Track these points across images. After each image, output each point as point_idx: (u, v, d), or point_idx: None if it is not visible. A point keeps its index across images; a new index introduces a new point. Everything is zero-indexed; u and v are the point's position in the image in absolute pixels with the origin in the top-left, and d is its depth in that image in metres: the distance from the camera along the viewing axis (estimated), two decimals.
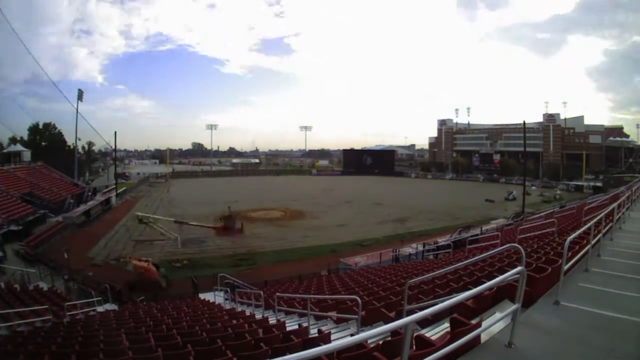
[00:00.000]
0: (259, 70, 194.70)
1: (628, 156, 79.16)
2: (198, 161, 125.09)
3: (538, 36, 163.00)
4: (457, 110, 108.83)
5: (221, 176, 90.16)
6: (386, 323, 2.86)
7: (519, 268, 2.93)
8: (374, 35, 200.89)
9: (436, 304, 2.32)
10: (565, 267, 4.14)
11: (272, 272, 21.23)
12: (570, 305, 3.73)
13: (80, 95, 62.27)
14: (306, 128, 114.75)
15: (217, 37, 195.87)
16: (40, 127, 62.37)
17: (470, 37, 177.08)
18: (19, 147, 48.26)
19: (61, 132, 64.87)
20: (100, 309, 13.16)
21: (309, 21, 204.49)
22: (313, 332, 5.74)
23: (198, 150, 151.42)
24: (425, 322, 4.55)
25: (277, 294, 9.97)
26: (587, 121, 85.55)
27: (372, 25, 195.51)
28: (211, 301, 12.59)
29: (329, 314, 7.41)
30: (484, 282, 3.10)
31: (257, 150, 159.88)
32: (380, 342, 3.29)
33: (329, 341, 4.66)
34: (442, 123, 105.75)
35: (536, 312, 3.57)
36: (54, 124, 64.13)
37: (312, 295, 9.36)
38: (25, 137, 59.83)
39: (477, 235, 26.41)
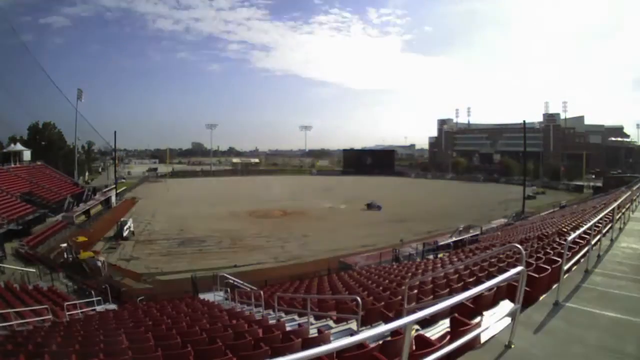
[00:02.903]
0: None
1: (628, 156, 79.19)
2: (198, 161, 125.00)
3: None
4: (457, 110, 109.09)
5: (221, 176, 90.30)
6: (386, 323, 2.86)
7: (519, 268, 2.92)
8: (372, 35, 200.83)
9: (436, 304, 2.32)
10: (566, 268, 4.14)
11: (272, 272, 21.24)
12: (570, 305, 3.73)
13: (79, 95, 62.34)
14: (306, 128, 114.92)
15: None
16: (40, 126, 62.35)
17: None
18: (19, 147, 48.18)
19: (61, 132, 64.88)
20: (99, 308, 13.16)
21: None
22: (313, 332, 5.73)
23: (198, 150, 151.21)
24: (425, 322, 4.55)
25: (278, 294, 9.96)
26: (588, 121, 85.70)
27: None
28: (211, 301, 12.57)
29: (329, 313, 7.41)
30: (484, 282, 3.09)
31: (257, 150, 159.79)
32: (380, 342, 3.28)
33: (328, 341, 4.66)
34: (442, 123, 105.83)
35: (536, 312, 3.56)
36: (54, 124, 64.17)
37: (312, 295, 9.36)
38: (25, 137, 59.78)
39: (477, 235, 26.48)
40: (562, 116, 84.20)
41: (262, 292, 11.28)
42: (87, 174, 71.99)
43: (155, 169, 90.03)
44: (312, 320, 7.03)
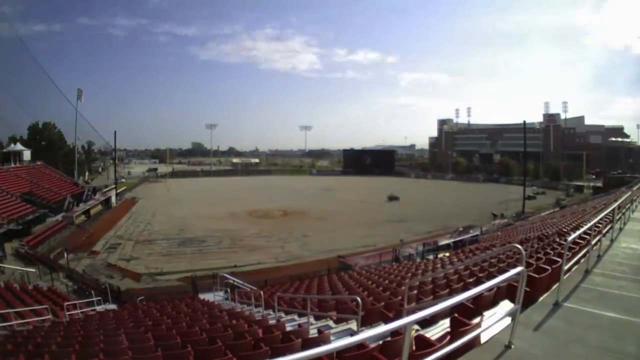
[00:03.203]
0: None
1: (628, 156, 79.13)
2: (198, 161, 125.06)
3: None
4: (457, 110, 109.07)
5: (221, 176, 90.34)
6: (386, 323, 2.86)
7: (519, 268, 2.92)
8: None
9: (436, 304, 2.31)
10: (566, 268, 4.13)
11: (273, 273, 21.23)
12: (570, 305, 3.73)
13: (79, 95, 62.34)
14: (306, 128, 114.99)
15: None
16: (40, 126, 62.33)
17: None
18: (19, 147, 48.19)
19: (61, 132, 64.87)
20: (99, 308, 13.15)
21: None
22: (313, 332, 5.73)
23: (198, 150, 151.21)
24: (425, 322, 4.54)
25: (278, 294, 9.96)
26: (588, 121, 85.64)
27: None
28: (211, 301, 12.57)
29: (329, 314, 7.40)
30: (484, 283, 3.09)
31: (257, 150, 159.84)
32: (380, 343, 3.28)
33: (328, 341, 4.65)
34: (442, 123, 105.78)
35: (536, 313, 3.56)
36: (54, 124, 64.16)
37: (312, 296, 9.35)
38: (25, 137, 59.75)
39: (477, 235, 26.47)
40: (562, 116, 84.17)
41: (262, 292, 11.28)
42: (87, 174, 71.97)
43: (155, 169, 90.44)
44: (312, 320, 7.03)
